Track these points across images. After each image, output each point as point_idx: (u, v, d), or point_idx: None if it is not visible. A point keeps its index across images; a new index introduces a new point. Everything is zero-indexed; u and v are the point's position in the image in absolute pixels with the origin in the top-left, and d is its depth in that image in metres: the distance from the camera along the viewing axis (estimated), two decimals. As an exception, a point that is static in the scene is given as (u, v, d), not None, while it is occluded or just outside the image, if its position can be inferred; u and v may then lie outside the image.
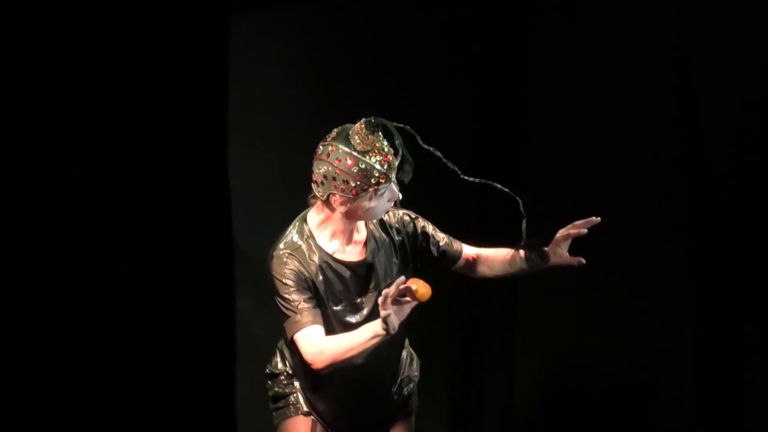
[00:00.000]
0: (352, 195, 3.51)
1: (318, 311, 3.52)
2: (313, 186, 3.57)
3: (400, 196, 3.58)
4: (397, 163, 3.53)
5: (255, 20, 4.55)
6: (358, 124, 3.51)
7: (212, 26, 4.38)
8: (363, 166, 3.49)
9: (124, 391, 4.23)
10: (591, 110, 4.68)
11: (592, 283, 4.74)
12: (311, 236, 3.61)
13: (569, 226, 3.68)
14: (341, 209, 3.56)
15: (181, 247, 4.33)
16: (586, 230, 3.69)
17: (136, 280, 4.24)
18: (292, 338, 3.53)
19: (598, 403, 4.83)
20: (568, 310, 4.84)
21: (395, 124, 3.52)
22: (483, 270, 3.86)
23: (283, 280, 3.54)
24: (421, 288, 3.35)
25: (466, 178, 3.60)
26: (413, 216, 3.76)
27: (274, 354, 3.84)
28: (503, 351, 5.01)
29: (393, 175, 3.52)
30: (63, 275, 4.11)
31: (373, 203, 3.54)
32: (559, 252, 3.72)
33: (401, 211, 3.74)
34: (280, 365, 3.81)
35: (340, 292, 3.61)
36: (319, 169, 3.52)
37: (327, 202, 3.57)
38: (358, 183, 3.49)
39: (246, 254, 4.58)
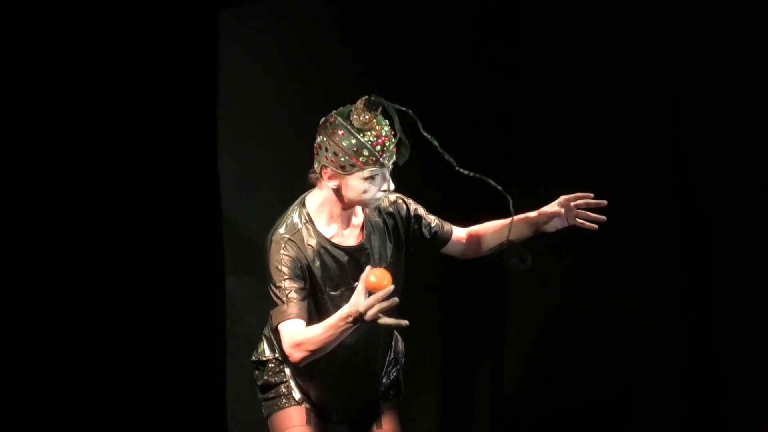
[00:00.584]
0: (341, 170, 3.49)
1: (305, 304, 3.50)
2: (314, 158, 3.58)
3: (392, 187, 3.56)
4: (392, 147, 3.51)
5: (244, 15, 4.55)
6: (359, 101, 3.49)
7: (201, 21, 4.36)
8: (354, 142, 3.47)
9: (111, 383, 4.20)
10: (580, 106, 4.72)
11: (581, 271, 4.81)
12: (309, 220, 3.60)
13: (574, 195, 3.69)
14: (330, 184, 3.54)
15: (171, 238, 4.32)
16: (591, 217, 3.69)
17: (124, 272, 4.22)
18: (276, 327, 3.53)
19: (587, 390, 4.87)
20: (558, 297, 4.88)
21: (396, 106, 3.50)
22: (474, 248, 3.85)
23: (279, 266, 3.52)
24: (377, 280, 3.33)
25: (461, 170, 3.59)
26: (405, 200, 3.77)
27: (261, 341, 3.83)
28: (493, 336, 5.03)
29: (387, 162, 3.51)
30: (49, 267, 4.10)
31: (362, 185, 3.51)
32: (556, 211, 3.71)
33: (394, 195, 3.73)
34: (267, 352, 3.79)
35: (337, 278, 3.60)
36: (317, 139, 3.53)
37: (321, 177, 3.56)
38: (347, 158, 3.48)
39: (235, 246, 4.57)
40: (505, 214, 3.67)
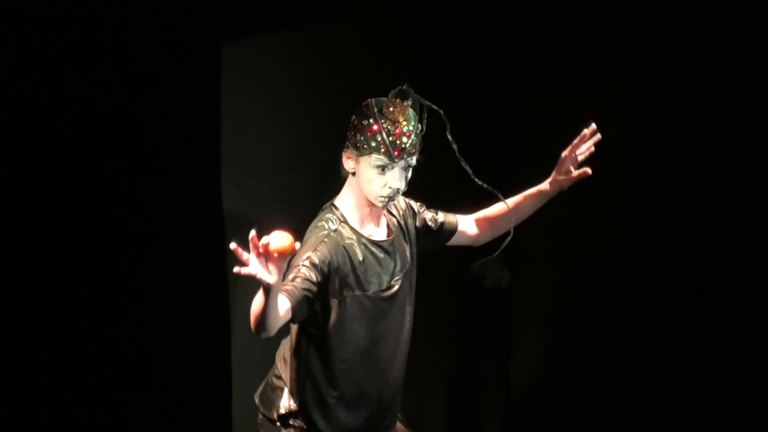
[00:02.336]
0: (355, 150, 3.51)
1: (299, 293, 3.38)
2: None
3: (400, 187, 3.54)
4: (408, 146, 3.49)
5: (246, 49, 4.54)
6: (395, 90, 3.51)
7: (204, 55, 4.37)
8: (372, 123, 3.48)
9: (113, 403, 4.15)
10: (585, 107, 4.68)
11: (587, 283, 4.82)
12: (344, 220, 3.59)
13: (570, 146, 3.73)
14: (348, 166, 3.56)
15: (177, 271, 4.29)
16: (589, 145, 3.73)
17: (128, 298, 4.19)
18: None
19: (594, 390, 4.86)
20: (565, 295, 4.89)
21: (429, 103, 3.53)
22: (487, 232, 3.88)
23: (308, 253, 3.44)
24: (276, 239, 3.09)
25: (477, 180, 3.64)
26: (406, 199, 3.80)
27: (273, 392, 3.74)
28: (499, 337, 5.04)
29: (398, 158, 3.48)
30: (50, 280, 4.06)
31: (370, 174, 3.51)
32: (565, 170, 3.75)
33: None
34: (292, 404, 3.70)
35: (377, 275, 3.59)
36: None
37: (343, 158, 3.59)
38: (361, 138, 3.49)
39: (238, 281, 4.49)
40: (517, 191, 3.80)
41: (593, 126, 3.71)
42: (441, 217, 3.82)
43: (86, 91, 4.06)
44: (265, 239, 3.06)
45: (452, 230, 3.83)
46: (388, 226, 3.69)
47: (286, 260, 3.12)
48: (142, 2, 4.10)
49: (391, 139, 3.46)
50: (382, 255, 3.60)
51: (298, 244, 3.13)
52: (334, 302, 3.53)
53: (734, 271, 4.56)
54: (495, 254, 3.71)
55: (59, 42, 4.00)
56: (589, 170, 3.73)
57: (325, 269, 3.46)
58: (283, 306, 3.31)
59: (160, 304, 4.20)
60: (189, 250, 4.27)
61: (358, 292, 3.54)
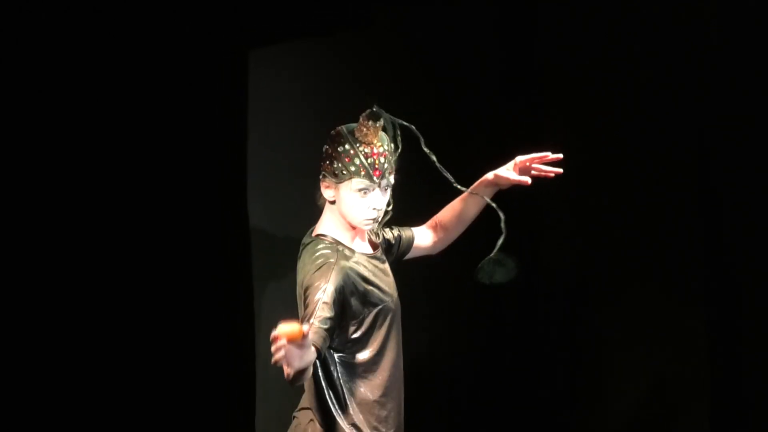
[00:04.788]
0: (334, 177, 3.51)
1: (324, 333, 3.37)
2: None
3: (382, 208, 3.56)
4: (387, 165, 3.52)
5: (273, 55, 4.62)
6: (366, 113, 3.53)
7: (232, 62, 4.45)
8: (347, 148, 3.50)
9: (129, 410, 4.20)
10: (600, 117, 4.78)
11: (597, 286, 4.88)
12: (338, 243, 3.58)
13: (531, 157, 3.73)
14: (326, 194, 3.56)
15: (202, 282, 4.36)
16: (546, 170, 3.75)
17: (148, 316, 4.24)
18: None
19: (601, 397, 4.91)
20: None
21: (399, 120, 3.54)
22: (443, 238, 3.88)
23: (321, 288, 3.42)
24: (285, 331, 3.06)
25: (458, 187, 3.68)
26: None
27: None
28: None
29: (378, 179, 3.51)
30: (76, 283, 4.13)
31: (352, 198, 3.51)
32: (517, 171, 3.75)
33: None
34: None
35: (388, 284, 3.62)
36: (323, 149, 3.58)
37: (320, 188, 3.59)
38: (339, 165, 3.50)
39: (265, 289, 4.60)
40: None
41: (560, 156, 3.72)
42: (397, 231, 3.82)
43: (114, 97, 4.17)
44: (274, 332, 3.05)
45: (409, 243, 3.83)
46: (370, 240, 3.70)
47: (304, 341, 3.12)
48: (173, 10, 4.21)
49: (369, 161, 3.48)
50: (381, 265, 3.62)
51: (306, 327, 3.11)
52: (356, 322, 3.54)
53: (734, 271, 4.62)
54: (492, 253, 3.67)
55: (92, 50, 4.13)
56: (529, 180, 3.72)
57: (341, 298, 3.46)
58: (311, 352, 3.27)
59: (184, 311, 4.25)
60: (215, 255, 4.32)
61: (380, 305, 3.56)
